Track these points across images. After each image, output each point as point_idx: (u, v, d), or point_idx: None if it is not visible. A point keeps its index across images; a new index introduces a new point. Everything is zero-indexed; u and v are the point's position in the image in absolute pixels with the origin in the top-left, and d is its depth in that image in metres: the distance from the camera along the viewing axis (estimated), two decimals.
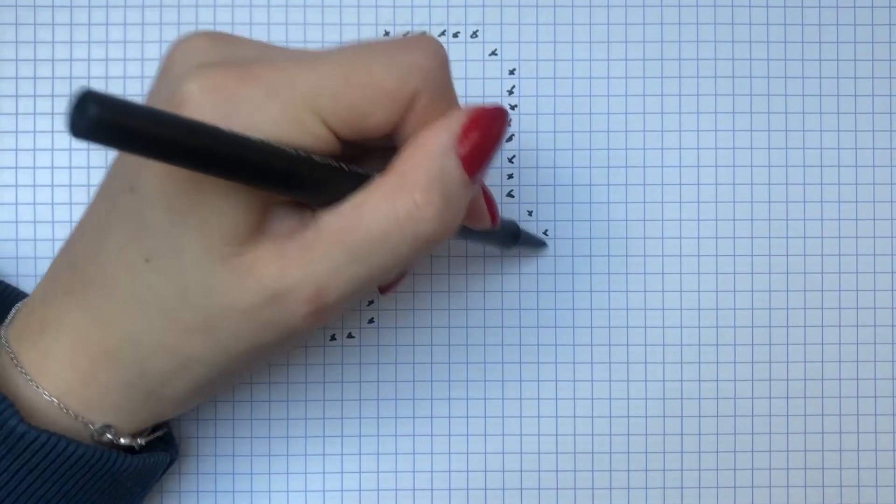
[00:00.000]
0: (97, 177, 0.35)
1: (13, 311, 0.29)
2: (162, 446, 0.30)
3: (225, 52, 0.24)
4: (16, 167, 0.35)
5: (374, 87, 0.23)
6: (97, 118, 0.18)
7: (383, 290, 0.32)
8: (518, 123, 0.36)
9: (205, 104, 0.22)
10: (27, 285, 0.34)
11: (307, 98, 0.23)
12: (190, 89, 0.22)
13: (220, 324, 0.24)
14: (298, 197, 0.24)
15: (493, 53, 0.36)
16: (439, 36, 0.36)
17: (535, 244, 0.35)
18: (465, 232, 0.29)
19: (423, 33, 0.25)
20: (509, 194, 0.36)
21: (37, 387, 0.26)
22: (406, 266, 0.25)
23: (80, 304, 0.26)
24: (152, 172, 0.23)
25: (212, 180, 0.22)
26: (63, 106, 0.35)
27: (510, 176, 0.36)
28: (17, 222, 0.35)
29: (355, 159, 0.25)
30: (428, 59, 0.24)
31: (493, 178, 0.36)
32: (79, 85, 0.35)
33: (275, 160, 0.22)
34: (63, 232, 0.35)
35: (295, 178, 0.23)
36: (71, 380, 0.26)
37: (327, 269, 0.24)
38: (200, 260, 0.23)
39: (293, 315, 0.24)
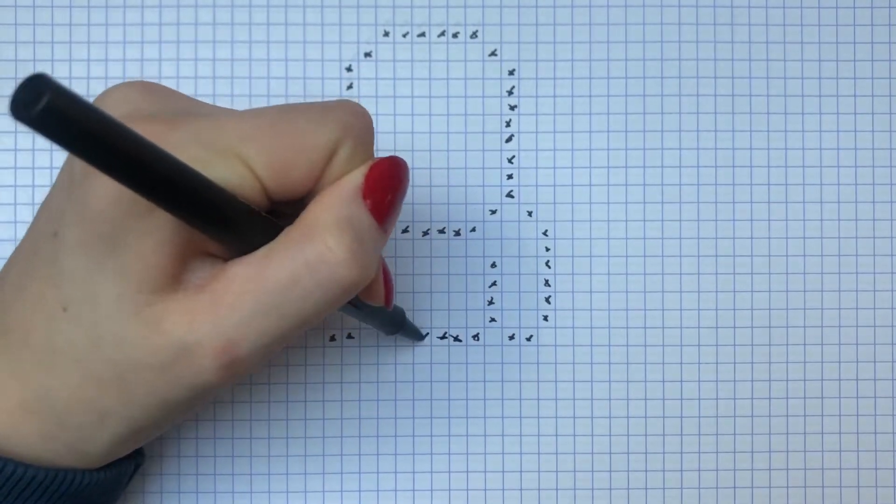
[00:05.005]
0: None
1: None
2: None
3: (155, 104, 0.24)
4: (14, 167, 0.35)
5: (299, 138, 0.24)
6: (49, 106, 0.17)
7: None
8: (518, 123, 0.36)
9: None
10: None
11: (234, 143, 0.23)
12: None
13: (132, 378, 0.24)
14: (216, 237, 0.24)
15: (493, 54, 0.36)
16: (439, 36, 0.36)
17: (414, 336, 0.35)
18: (355, 306, 0.28)
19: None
20: (509, 194, 0.36)
21: None
22: (323, 317, 0.24)
23: None
24: (73, 218, 0.23)
25: (130, 226, 0.22)
26: None
27: (510, 176, 0.36)
28: (15, 222, 0.35)
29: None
30: (351, 117, 0.25)
31: (493, 178, 0.36)
32: (76, 85, 0.35)
33: (202, 189, 0.22)
34: None
35: (217, 213, 0.22)
36: None
37: (236, 322, 0.23)
38: (114, 310, 0.23)
39: (202, 370, 0.23)
